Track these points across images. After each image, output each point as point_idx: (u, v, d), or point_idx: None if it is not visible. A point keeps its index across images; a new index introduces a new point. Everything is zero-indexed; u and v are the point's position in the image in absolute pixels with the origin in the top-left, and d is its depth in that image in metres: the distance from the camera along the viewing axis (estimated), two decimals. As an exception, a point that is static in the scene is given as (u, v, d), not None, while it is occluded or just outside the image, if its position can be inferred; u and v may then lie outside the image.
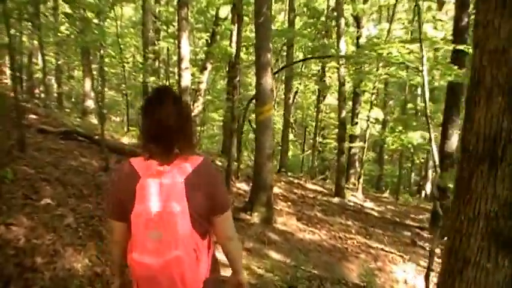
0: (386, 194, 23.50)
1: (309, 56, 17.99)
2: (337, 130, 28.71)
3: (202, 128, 23.82)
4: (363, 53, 12.05)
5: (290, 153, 28.42)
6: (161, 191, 2.35)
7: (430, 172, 26.87)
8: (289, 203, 13.43)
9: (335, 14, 18.24)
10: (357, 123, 21.20)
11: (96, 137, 13.47)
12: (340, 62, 15.79)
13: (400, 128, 17.18)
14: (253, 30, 11.28)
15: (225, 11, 21.66)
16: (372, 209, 16.23)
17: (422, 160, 26.86)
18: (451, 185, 11.98)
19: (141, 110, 2.60)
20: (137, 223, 2.33)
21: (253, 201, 10.28)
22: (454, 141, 13.58)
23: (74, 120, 17.24)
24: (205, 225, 2.54)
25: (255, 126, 10.88)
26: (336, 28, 17.63)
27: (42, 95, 25.04)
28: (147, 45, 13.85)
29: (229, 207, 2.68)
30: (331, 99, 27.01)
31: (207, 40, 21.68)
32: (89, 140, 13.09)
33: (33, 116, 15.16)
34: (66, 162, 10.37)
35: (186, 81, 14.97)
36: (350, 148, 22.70)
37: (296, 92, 26.79)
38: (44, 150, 10.96)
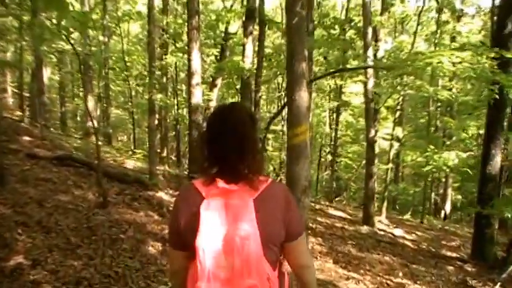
0: (408, 216, 21.28)
1: (340, 67, 15.66)
2: (351, 147, 27.26)
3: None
4: (406, 63, 9.81)
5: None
6: (228, 212, 1.98)
7: (449, 191, 24.62)
8: (319, 238, 11.19)
9: (359, 23, 16.07)
10: (375, 141, 18.92)
11: (96, 162, 11.29)
12: (368, 75, 13.60)
13: (432, 147, 14.90)
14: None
15: (235, 26, 19.81)
16: (404, 238, 14.01)
17: (443, 179, 24.55)
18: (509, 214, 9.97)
19: (208, 122, 2.20)
20: (203, 249, 1.94)
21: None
22: (497, 162, 11.44)
23: (74, 142, 15.02)
24: (276, 253, 2.11)
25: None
26: (361, 39, 15.39)
27: (47, 115, 23.00)
28: (152, 58, 11.58)
29: (304, 231, 2.22)
30: (345, 115, 24.91)
31: (216, 56, 19.68)
32: (86, 166, 10.78)
33: (27, 138, 12.96)
34: (54, 197, 8.17)
35: (197, 98, 12.82)
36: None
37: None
38: (29, 181, 8.76)
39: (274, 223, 2.07)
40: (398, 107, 17.13)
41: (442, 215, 24.61)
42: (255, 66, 16.63)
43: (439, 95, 16.01)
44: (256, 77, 9.97)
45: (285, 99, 20.27)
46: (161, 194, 10.49)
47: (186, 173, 13.50)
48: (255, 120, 2.27)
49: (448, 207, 24.71)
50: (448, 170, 15.23)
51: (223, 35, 19.43)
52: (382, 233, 13.93)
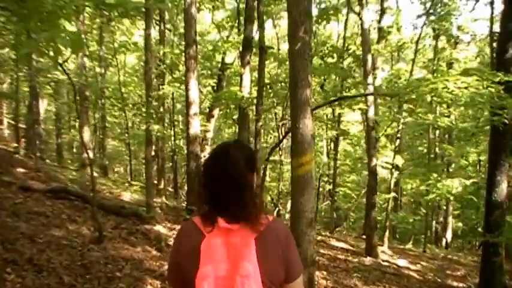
0: (409, 246, 20.76)
1: (339, 96, 15.22)
2: (349, 177, 26.78)
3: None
4: (410, 89, 9.45)
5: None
6: (229, 250, 1.93)
7: (450, 219, 24.17)
8: (324, 272, 10.67)
9: (357, 51, 15.81)
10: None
11: (91, 194, 10.84)
12: (369, 103, 13.24)
13: (435, 175, 14.48)
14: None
15: (231, 57, 19.57)
16: (408, 269, 13.52)
17: (444, 207, 24.08)
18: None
19: (203, 166, 2.15)
20: (202, 287, 1.89)
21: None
22: (503, 189, 11.02)
23: (69, 173, 14.58)
24: None
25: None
26: (360, 67, 15.08)
27: (43, 146, 22.60)
28: (149, 88, 11.23)
29: (302, 272, 2.13)
30: (343, 144, 24.53)
31: (213, 87, 19.40)
32: (81, 199, 10.33)
33: (21, 170, 12.55)
34: (47, 232, 7.71)
35: (196, 128, 12.48)
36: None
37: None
38: (21, 215, 8.32)
39: (275, 262, 2.01)
40: (398, 135, 16.74)
41: (444, 243, 24.15)
42: (253, 95, 16.37)
43: (439, 122, 15.72)
44: (256, 105, 9.55)
45: (283, 129, 19.95)
46: (159, 228, 10.05)
47: (184, 205, 13.05)
48: (253, 161, 2.19)
49: (449, 235, 24.27)
50: (451, 198, 14.76)
51: (219, 65, 19.16)
52: (386, 264, 13.45)
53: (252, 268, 1.89)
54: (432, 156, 22.67)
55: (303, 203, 7.15)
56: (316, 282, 9.03)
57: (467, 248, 25.11)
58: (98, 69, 21.35)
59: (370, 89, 13.49)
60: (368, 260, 13.19)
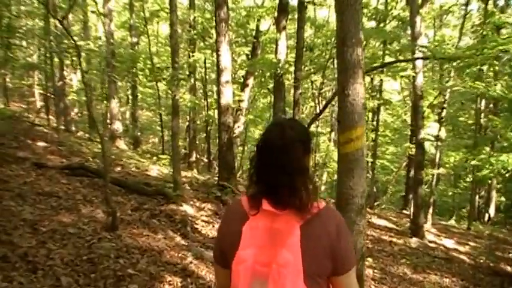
0: (452, 222, 19.21)
1: (385, 62, 13.42)
2: (388, 149, 25.10)
3: (243, 149, 19.88)
4: (471, 52, 7.90)
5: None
6: (270, 236, 1.78)
7: (493, 193, 22.44)
8: (369, 259, 9.28)
9: (402, 14, 14.12)
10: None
11: (119, 172, 9.66)
12: (417, 70, 11.62)
13: (487, 149, 12.87)
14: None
15: (266, 25, 18.27)
16: (457, 251, 12.09)
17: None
18: None
19: (256, 145, 1.92)
20: (238, 271, 1.78)
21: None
22: None
23: (95, 147, 13.37)
24: (321, 285, 1.85)
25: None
26: (404, 30, 13.42)
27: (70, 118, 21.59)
28: (175, 52, 9.83)
29: (354, 264, 1.92)
30: (384, 114, 22.87)
31: (247, 55, 17.99)
32: (101, 176, 9.12)
33: (42, 144, 11.42)
34: (54, 218, 6.52)
35: (227, 98, 11.13)
36: (408, 171, 18.85)
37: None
38: (28, 197, 7.12)
39: (320, 254, 1.80)
40: (444, 105, 15.08)
41: (486, 218, 22.48)
42: (290, 61, 14.91)
43: (490, 91, 14.07)
44: (295, 70, 8.06)
45: (320, 98, 18.45)
46: (186, 208, 8.78)
47: (215, 180, 11.74)
48: (309, 142, 1.92)
49: (492, 210, 22.58)
50: (508, 175, 13.11)
51: (254, 33, 17.71)
52: (433, 245, 12.05)
53: (292, 257, 1.71)
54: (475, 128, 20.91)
55: (352, 187, 5.73)
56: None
57: (509, 223, 23.38)
58: (129, 39, 20.08)
59: (419, 54, 11.83)
60: (414, 242, 11.78)
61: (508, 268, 11.23)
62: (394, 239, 11.78)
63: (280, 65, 14.53)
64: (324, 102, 11.86)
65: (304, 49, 10.53)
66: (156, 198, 8.94)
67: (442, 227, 16.26)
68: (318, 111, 19.05)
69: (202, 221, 8.50)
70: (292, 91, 23.73)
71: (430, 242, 12.26)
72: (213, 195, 10.28)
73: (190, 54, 15.24)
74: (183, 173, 13.20)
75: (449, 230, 16.06)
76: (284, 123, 1.91)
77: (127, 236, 6.56)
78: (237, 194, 10.89)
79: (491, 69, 15.47)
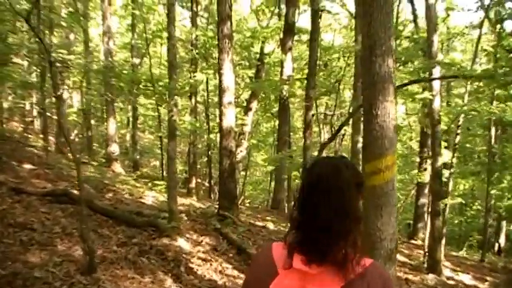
0: (463, 253, 17.92)
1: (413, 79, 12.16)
2: (398, 176, 23.83)
3: (245, 173, 18.74)
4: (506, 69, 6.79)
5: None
6: None
7: (504, 222, 21.14)
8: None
9: (415, 35, 13.05)
10: (425, 169, 15.69)
11: (109, 199, 8.52)
12: (434, 92, 10.48)
13: (508, 178, 11.69)
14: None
15: (271, 47, 17.20)
16: (477, 288, 10.85)
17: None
18: None
19: (302, 183, 1.63)
20: None
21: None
22: None
23: (88, 170, 12.22)
24: None
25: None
26: (420, 50, 12.32)
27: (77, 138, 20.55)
28: (173, 67, 8.71)
29: None
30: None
31: (251, 78, 16.99)
32: (88, 208, 7.95)
33: (28, 166, 10.27)
34: (20, 257, 5.34)
35: (230, 120, 10.03)
36: (417, 199, 17.85)
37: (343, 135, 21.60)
38: (-4, 229, 5.94)
39: None
40: (458, 131, 13.90)
41: (496, 248, 21.18)
42: (296, 84, 13.91)
43: (508, 115, 13.00)
44: (307, 87, 6.84)
45: (331, 121, 17.30)
46: (180, 243, 7.58)
47: (216, 208, 10.53)
48: (362, 187, 1.63)
49: (502, 239, 21.27)
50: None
51: (258, 55, 16.69)
52: (451, 282, 10.86)
53: None
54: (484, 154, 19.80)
55: (380, 228, 4.57)
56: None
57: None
58: (131, 60, 19.07)
59: (436, 73, 10.69)
60: (431, 279, 10.55)
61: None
62: (410, 276, 10.54)
63: (285, 87, 13.55)
64: (336, 127, 10.75)
65: (318, 65, 9.44)
66: (147, 231, 7.74)
67: (455, 260, 15.04)
68: (323, 136, 18.11)
69: (199, 258, 7.29)
70: (296, 115, 22.91)
71: (448, 278, 11.04)
72: (212, 227, 9.08)
73: (192, 74, 14.16)
74: (181, 200, 12.02)
75: (463, 262, 14.88)
76: (339, 162, 1.63)
77: (107, 279, 5.39)
78: (238, 225, 9.72)
79: (505, 92, 14.39)
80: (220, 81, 10.05)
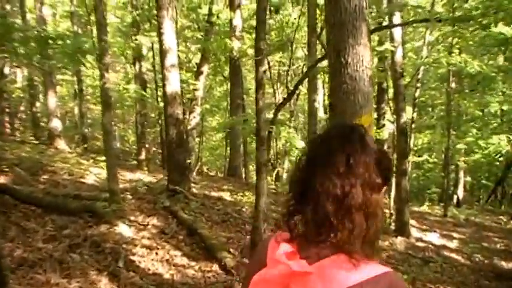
0: (425, 207, 17.32)
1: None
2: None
3: (200, 140, 17.57)
4: (489, 9, 5.69)
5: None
6: None
7: (461, 174, 20.64)
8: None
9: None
10: (383, 125, 14.80)
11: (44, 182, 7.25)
12: (396, 43, 9.40)
13: (475, 131, 10.84)
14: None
15: (219, 7, 15.88)
16: (448, 249, 10.11)
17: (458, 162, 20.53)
18: None
19: (302, 156, 1.24)
20: None
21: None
22: None
23: (23, 151, 10.81)
24: None
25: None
26: None
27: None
28: (102, 28, 7.35)
29: None
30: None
31: (200, 40, 15.61)
32: (5, 193, 6.65)
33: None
34: None
35: (174, 85, 8.80)
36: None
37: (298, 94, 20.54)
38: None
39: None
40: (418, 84, 12.95)
41: (455, 200, 20.75)
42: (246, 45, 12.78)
43: (468, 67, 12.10)
44: (256, 40, 5.66)
45: (288, 79, 16.13)
46: (121, 229, 6.40)
47: (165, 183, 9.32)
48: (388, 173, 1.18)
49: (460, 191, 20.84)
50: (501, 159, 11.07)
51: (206, 17, 15.37)
52: (420, 244, 10.09)
53: None
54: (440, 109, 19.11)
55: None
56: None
57: (474, 204, 21.77)
58: (72, 29, 17.42)
59: (396, 19, 9.53)
60: (400, 242, 9.74)
61: (504, 264, 9.46)
62: (378, 241, 9.68)
63: (235, 47, 12.36)
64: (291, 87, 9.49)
65: (269, 12, 8.15)
66: (83, 218, 6.51)
67: (419, 217, 14.39)
68: (278, 97, 16.93)
69: (143, 246, 6.11)
70: (249, 78, 21.61)
71: (417, 240, 10.24)
72: (161, 206, 7.90)
73: (133, 38, 12.73)
74: (129, 175, 10.78)
75: (427, 218, 14.29)
76: (352, 137, 1.16)
77: (21, 291, 4.19)
78: (191, 200, 8.57)
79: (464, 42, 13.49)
80: (160, 41, 8.74)
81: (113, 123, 9.04)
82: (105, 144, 7.69)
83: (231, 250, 6.51)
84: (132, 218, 7.10)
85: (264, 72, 5.61)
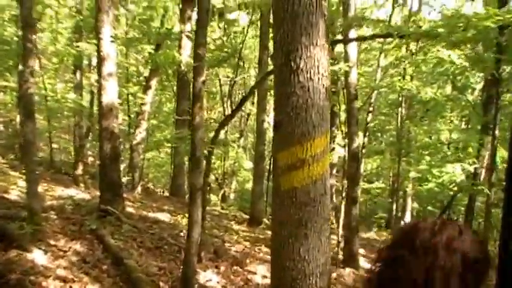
0: (373, 234, 16.84)
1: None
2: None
3: (144, 157, 16.54)
4: (457, 27, 5.06)
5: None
6: None
7: (409, 200, 20.33)
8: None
9: None
10: (333, 149, 14.19)
11: None
12: (351, 63, 8.78)
13: (428, 159, 10.34)
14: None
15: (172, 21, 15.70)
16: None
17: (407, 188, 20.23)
18: None
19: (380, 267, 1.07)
20: None
21: None
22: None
23: None
24: None
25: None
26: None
27: None
28: (30, 27, 6.46)
29: None
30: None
31: (150, 53, 14.78)
32: None
33: None
34: None
35: (111, 96, 7.97)
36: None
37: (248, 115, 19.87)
38: None
39: None
40: (371, 108, 12.41)
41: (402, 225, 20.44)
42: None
43: (422, 93, 11.70)
44: (195, 45, 4.85)
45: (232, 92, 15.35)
46: (35, 255, 5.44)
47: (97, 202, 8.35)
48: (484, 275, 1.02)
49: (407, 217, 20.54)
50: (455, 189, 10.52)
51: (159, 29, 14.63)
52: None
53: None
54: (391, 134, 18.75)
55: (304, 257, 2.72)
56: None
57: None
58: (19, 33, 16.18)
59: (352, 35, 8.92)
60: (348, 274, 9.02)
61: None
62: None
63: (183, 61, 11.64)
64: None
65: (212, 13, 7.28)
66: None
67: (366, 243, 13.82)
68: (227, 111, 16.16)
69: (57, 277, 5.15)
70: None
71: (366, 271, 9.55)
72: (88, 228, 6.95)
73: (75, 45, 11.77)
74: (61, 192, 9.74)
75: (374, 245, 13.68)
76: (450, 235, 1.00)
77: None
78: (123, 222, 7.64)
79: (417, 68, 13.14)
80: (98, 47, 7.88)
81: (37, 132, 8.02)
82: (24, 157, 6.73)
83: (161, 284, 5.63)
84: (51, 241, 6.15)
85: (203, 83, 4.81)
